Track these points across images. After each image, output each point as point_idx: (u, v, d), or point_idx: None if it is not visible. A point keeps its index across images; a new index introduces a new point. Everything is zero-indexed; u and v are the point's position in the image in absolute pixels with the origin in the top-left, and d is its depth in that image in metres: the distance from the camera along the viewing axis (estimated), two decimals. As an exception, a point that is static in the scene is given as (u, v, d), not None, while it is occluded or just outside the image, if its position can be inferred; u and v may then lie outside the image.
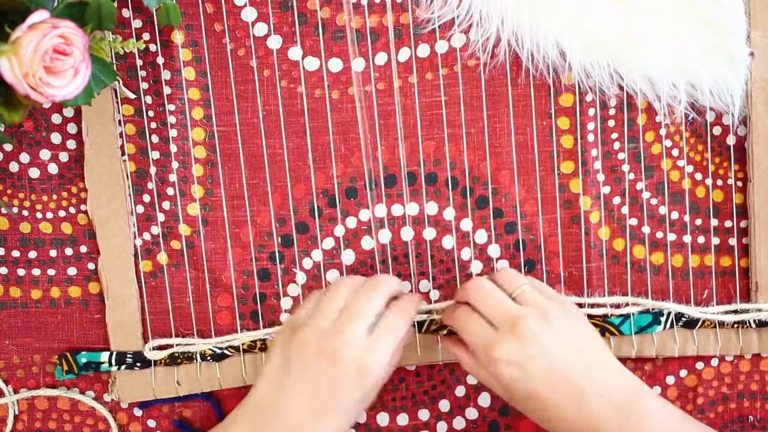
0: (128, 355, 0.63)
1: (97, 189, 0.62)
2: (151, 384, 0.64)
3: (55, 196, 0.63)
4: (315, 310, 0.57)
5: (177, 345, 0.64)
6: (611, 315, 0.63)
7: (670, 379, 0.65)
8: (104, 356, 0.63)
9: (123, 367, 0.63)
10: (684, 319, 0.63)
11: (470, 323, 0.58)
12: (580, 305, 0.63)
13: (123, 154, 0.62)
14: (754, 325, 0.63)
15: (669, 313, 0.63)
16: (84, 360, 0.63)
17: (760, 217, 0.62)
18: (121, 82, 0.61)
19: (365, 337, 0.55)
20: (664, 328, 0.63)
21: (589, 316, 0.63)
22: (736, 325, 0.63)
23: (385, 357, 0.55)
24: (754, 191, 0.62)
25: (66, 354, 0.64)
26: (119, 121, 0.61)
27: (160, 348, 0.64)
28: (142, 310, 0.64)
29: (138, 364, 0.63)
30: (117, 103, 0.61)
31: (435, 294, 0.64)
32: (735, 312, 0.63)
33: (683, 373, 0.65)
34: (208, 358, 0.63)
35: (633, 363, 0.65)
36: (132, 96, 0.61)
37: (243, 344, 0.63)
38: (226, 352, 0.63)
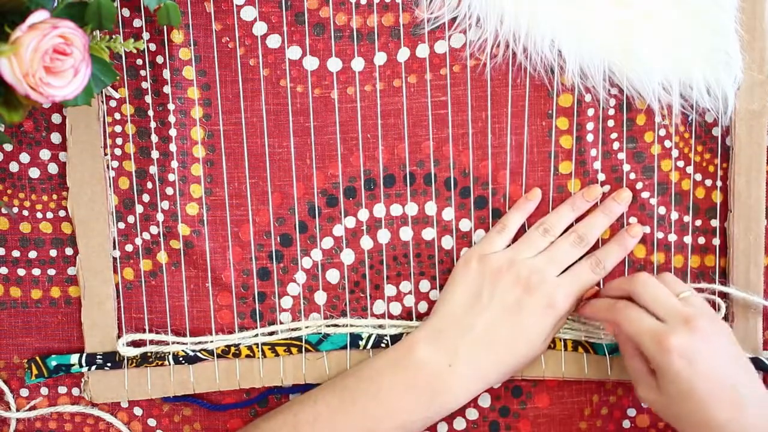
0: (98, 356, 0.63)
1: (79, 188, 0.62)
2: (124, 385, 0.64)
3: (55, 196, 0.63)
4: (513, 246, 0.62)
5: (150, 342, 0.63)
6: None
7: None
8: (74, 358, 0.63)
9: (94, 368, 0.63)
10: None
11: (638, 315, 0.58)
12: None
13: (107, 154, 0.62)
14: None
15: None
16: (54, 363, 0.63)
17: (740, 247, 0.62)
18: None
19: (556, 279, 0.61)
20: None
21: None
22: None
23: (570, 299, 0.61)
24: (734, 222, 0.62)
25: (35, 358, 0.63)
26: (104, 120, 0.61)
27: (135, 345, 0.64)
28: (119, 310, 0.64)
29: (108, 365, 0.63)
30: (102, 101, 0.61)
31: (435, 294, 0.64)
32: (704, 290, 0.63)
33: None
34: (181, 360, 0.63)
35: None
36: (117, 95, 0.61)
37: (217, 349, 0.63)
38: (199, 355, 0.63)
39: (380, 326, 0.64)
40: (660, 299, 0.58)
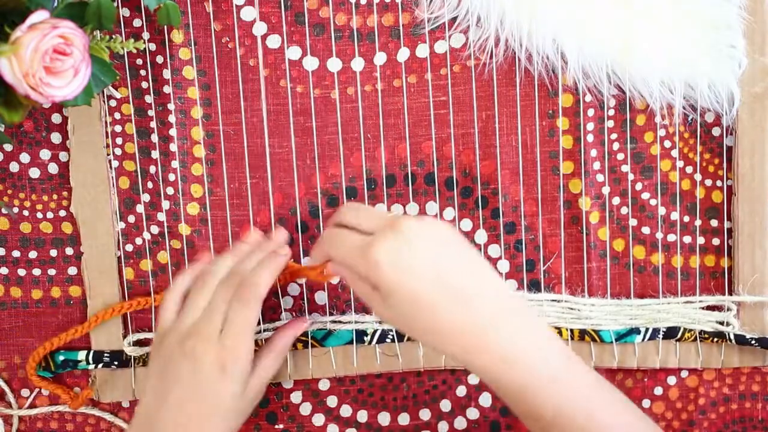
0: (105, 354, 0.63)
1: (82, 188, 0.62)
2: (131, 384, 0.64)
3: (55, 196, 0.63)
4: (180, 313, 0.58)
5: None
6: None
7: (672, 380, 0.65)
8: (81, 355, 0.63)
9: (101, 365, 0.63)
10: (663, 331, 0.63)
11: (343, 236, 0.53)
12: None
13: (110, 153, 0.62)
14: (733, 341, 0.62)
15: (647, 328, 0.63)
16: (62, 358, 0.63)
17: (745, 231, 0.62)
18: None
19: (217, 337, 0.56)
20: (644, 339, 0.63)
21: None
22: (717, 340, 0.63)
23: (239, 349, 0.56)
24: (738, 205, 0.62)
25: None
26: (106, 121, 0.61)
27: (140, 344, 0.64)
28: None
29: (115, 363, 0.63)
30: (104, 102, 0.61)
31: (435, 294, 0.64)
32: (715, 308, 0.64)
33: (684, 373, 0.65)
34: None
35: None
36: (118, 95, 0.61)
37: None
38: None
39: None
40: (366, 215, 0.54)
